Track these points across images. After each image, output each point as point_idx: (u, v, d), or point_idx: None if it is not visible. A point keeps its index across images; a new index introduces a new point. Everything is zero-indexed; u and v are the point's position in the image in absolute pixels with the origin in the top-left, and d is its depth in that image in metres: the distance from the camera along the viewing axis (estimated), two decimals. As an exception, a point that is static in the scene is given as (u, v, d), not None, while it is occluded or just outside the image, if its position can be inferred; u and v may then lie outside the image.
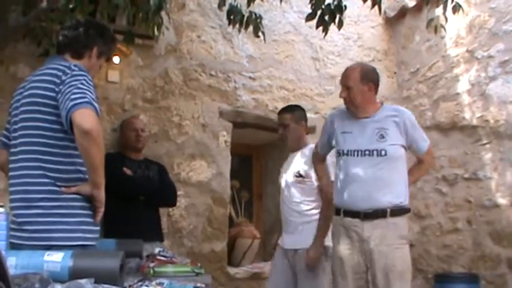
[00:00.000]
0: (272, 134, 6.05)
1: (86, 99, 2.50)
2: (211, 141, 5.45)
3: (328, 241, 3.98)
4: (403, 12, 6.66)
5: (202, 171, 5.36)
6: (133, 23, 4.81)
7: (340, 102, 6.17)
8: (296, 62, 6.12)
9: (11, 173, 2.74)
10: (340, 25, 4.23)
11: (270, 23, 5.96)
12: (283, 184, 4.38)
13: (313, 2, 4.12)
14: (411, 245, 6.10)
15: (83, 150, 2.53)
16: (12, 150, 2.75)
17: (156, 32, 4.28)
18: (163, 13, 4.25)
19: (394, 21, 6.78)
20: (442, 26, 4.89)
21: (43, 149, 2.63)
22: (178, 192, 5.01)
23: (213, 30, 5.64)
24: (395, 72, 6.74)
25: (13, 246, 2.58)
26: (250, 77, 5.81)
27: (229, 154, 5.51)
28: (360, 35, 6.57)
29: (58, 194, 2.61)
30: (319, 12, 4.16)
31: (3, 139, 2.91)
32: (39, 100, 2.66)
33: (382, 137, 3.60)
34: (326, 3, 4.13)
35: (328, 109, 6.14)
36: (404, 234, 3.56)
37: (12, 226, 2.64)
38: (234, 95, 5.66)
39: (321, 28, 4.32)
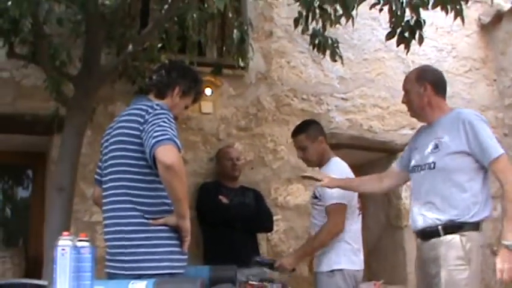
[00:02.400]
0: (368, 153, 6.09)
1: (167, 136, 2.70)
2: (307, 165, 5.54)
3: (347, 265, 3.92)
4: (498, 17, 6.50)
5: (300, 195, 5.45)
6: (222, 55, 5.06)
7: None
8: (388, 78, 6.11)
9: (104, 208, 2.98)
10: (420, 41, 4.23)
11: (359, 42, 6.04)
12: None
13: (393, 20, 4.15)
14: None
15: (167, 184, 2.73)
16: (104, 186, 2.99)
17: (241, 63, 4.47)
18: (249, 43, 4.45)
19: (490, 27, 6.62)
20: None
21: (131, 184, 2.84)
22: (276, 217, 5.15)
23: (302, 54, 5.76)
24: (495, 80, 6.56)
25: (109, 276, 2.84)
26: (342, 98, 5.88)
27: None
28: (453, 45, 6.48)
29: (147, 226, 2.80)
30: (398, 30, 4.18)
31: (97, 176, 3.16)
32: (126, 139, 2.88)
33: (436, 147, 3.33)
34: (405, 20, 4.14)
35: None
36: (461, 254, 3.17)
37: (108, 257, 2.90)
38: (327, 117, 5.74)
39: (412, 43, 4.33)
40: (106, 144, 3.04)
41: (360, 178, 4.17)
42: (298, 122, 5.47)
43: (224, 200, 4.76)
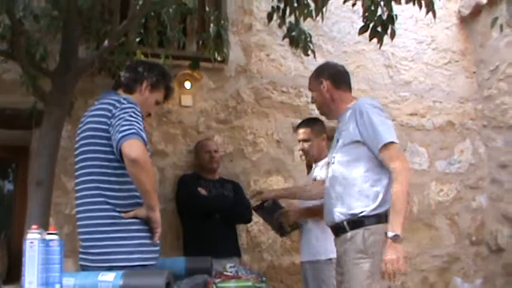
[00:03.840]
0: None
1: (132, 131, 2.78)
2: (287, 157, 5.64)
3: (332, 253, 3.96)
4: (477, 9, 6.54)
5: (279, 186, 5.52)
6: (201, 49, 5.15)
7: (417, 108, 6.26)
8: (368, 71, 6.19)
9: (76, 202, 3.05)
10: (392, 35, 4.31)
11: (338, 35, 6.12)
12: None
13: (366, 14, 4.24)
14: (501, 250, 6.05)
15: (133, 177, 2.82)
16: (76, 180, 3.06)
17: (217, 57, 4.55)
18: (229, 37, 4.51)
19: (469, 19, 6.68)
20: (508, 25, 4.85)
21: (101, 178, 2.92)
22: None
23: (282, 47, 5.81)
24: (474, 72, 6.64)
25: (82, 268, 2.93)
26: (322, 90, 5.94)
27: (305, 168, 5.66)
28: (433, 37, 6.55)
29: (117, 219, 2.88)
30: (371, 25, 4.26)
31: None
32: (94, 133, 2.96)
33: (337, 141, 3.33)
34: (377, 14, 4.23)
35: (404, 116, 6.18)
36: (361, 248, 3.08)
37: (81, 250, 2.98)
38: (307, 109, 5.79)
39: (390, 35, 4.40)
40: (77, 138, 3.11)
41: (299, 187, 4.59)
42: (278, 114, 5.64)
43: (203, 191, 4.84)
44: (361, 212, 3.12)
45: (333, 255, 4.05)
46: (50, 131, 3.95)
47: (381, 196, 3.11)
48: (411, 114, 6.26)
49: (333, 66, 3.61)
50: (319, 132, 4.58)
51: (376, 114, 3.15)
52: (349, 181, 3.17)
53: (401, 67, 6.35)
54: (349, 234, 3.15)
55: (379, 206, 3.10)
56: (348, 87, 3.49)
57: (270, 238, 5.41)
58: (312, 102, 3.60)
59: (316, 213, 4.23)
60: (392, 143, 3.08)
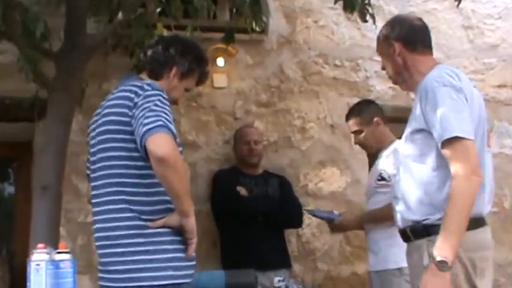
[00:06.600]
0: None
1: (159, 123, 2.71)
2: (343, 144, 5.56)
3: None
4: None
5: (335, 180, 5.49)
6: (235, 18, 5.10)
7: (506, 77, 6.10)
8: (441, 34, 6.03)
9: (94, 209, 3.00)
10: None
11: (403, -7, 6.01)
12: (367, 193, 4.49)
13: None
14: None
15: (162, 179, 2.75)
16: (94, 184, 3.01)
17: (255, 26, 4.49)
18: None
19: None
20: None
21: (124, 181, 2.86)
22: (308, 207, 5.17)
23: (333, 11, 5.72)
24: None
25: (102, 290, 2.90)
26: (384, 62, 5.86)
27: (366, 157, 5.58)
28: (527, -13, 6.38)
29: (142, 229, 2.82)
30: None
31: (88, 171, 3.18)
32: (114, 127, 2.90)
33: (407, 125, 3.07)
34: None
35: (489, 88, 6.03)
36: (427, 262, 2.80)
37: (100, 267, 2.93)
38: (366, 85, 5.75)
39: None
40: (93, 134, 3.06)
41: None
42: (330, 93, 5.56)
43: (243, 191, 4.82)
44: (424, 220, 2.89)
45: (405, 264, 3.95)
46: (56, 124, 3.95)
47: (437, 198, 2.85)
48: (498, 86, 6.14)
49: (406, 21, 3.26)
50: (370, 118, 4.42)
51: (445, 95, 2.78)
52: (414, 180, 2.93)
53: (486, 27, 6.21)
54: (413, 244, 2.97)
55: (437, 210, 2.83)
56: (427, 48, 3.15)
57: (326, 244, 5.37)
58: (382, 69, 3.31)
59: (383, 218, 4.07)
60: (458, 138, 2.71)
